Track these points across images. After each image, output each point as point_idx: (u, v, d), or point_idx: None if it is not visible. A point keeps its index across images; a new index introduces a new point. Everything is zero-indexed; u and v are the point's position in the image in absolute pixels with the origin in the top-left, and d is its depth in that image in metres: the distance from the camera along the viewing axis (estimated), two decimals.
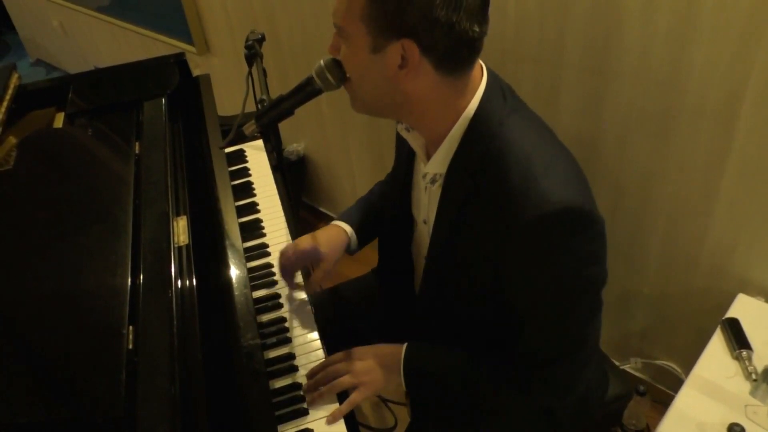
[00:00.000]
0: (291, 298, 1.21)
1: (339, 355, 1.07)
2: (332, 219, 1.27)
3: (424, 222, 1.07)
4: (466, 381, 1.03)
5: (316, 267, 1.19)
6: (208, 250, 1.16)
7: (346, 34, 0.88)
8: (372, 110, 0.99)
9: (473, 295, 1.01)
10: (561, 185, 0.85)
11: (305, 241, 1.19)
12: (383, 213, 1.28)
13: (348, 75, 0.93)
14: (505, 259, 0.90)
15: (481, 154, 0.89)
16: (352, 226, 1.24)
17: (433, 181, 0.99)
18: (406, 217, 1.15)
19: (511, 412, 1.10)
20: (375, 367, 1.04)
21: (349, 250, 1.25)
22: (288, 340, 1.13)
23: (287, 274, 1.20)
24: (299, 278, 1.23)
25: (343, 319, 1.34)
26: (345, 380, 1.02)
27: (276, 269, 1.25)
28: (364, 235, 1.26)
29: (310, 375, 1.06)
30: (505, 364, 1.01)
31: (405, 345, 1.05)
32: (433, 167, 0.97)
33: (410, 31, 0.81)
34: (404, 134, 1.02)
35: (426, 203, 1.04)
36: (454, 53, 0.84)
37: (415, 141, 1.01)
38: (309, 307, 1.19)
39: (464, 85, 0.90)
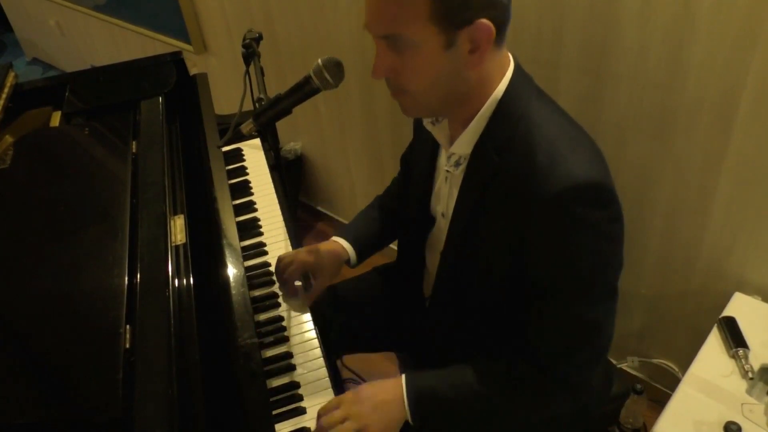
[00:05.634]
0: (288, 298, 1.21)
1: (332, 402, 0.97)
2: (329, 218, 1.28)
3: (443, 215, 1.06)
4: (476, 398, 0.95)
5: (314, 278, 1.19)
6: (205, 249, 1.16)
7: (411, 43, 0.82)
8: (434, 112, 0.96)
9: (487, 289, 1.00)
10: (586, 164, 0.85)
11: (305, 253, 1.19)
12: (384, 226, 1.28)
13: (413, 87, 0.88)
14: (526, 237, 0.89)
15: (509, 134, 0.89)
16: (351, 242, 1.24)
17: (457, 164, 0.97)
18: (423, 217, 1.14)
19: (524, 419, 1.03)
20: (376, 405, 0.94)
21: (349, 265, 1.25)
22: (285, 339, 1.13)
23: (283, 282, 1.20)
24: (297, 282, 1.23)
25: (341, 318, 1.34)
26: (347, 426, 0.92)
27: (273, 270, 1.25)
28: (364, 250, 1.26)
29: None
30: (515, 369, 0.96)
31: (403, 375, 0.97)
32: (458, 148, 0.95)
33: (480, 10, 0.80)
34: (429, 127, 1.01)
35: (446, 193, 1.03)
36: (507, 14, 0.85)
37: (440, 132, 1.00)
38: (307, 306, 1.19)
39: (502, 59, 0.90)
